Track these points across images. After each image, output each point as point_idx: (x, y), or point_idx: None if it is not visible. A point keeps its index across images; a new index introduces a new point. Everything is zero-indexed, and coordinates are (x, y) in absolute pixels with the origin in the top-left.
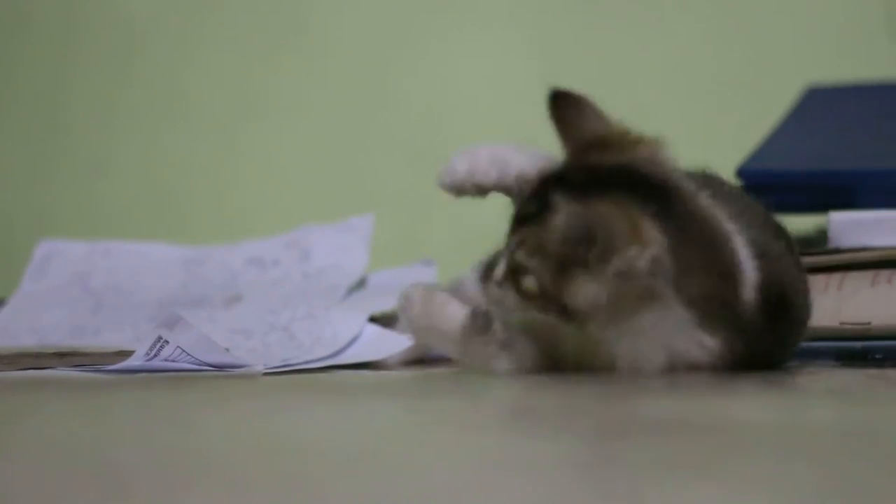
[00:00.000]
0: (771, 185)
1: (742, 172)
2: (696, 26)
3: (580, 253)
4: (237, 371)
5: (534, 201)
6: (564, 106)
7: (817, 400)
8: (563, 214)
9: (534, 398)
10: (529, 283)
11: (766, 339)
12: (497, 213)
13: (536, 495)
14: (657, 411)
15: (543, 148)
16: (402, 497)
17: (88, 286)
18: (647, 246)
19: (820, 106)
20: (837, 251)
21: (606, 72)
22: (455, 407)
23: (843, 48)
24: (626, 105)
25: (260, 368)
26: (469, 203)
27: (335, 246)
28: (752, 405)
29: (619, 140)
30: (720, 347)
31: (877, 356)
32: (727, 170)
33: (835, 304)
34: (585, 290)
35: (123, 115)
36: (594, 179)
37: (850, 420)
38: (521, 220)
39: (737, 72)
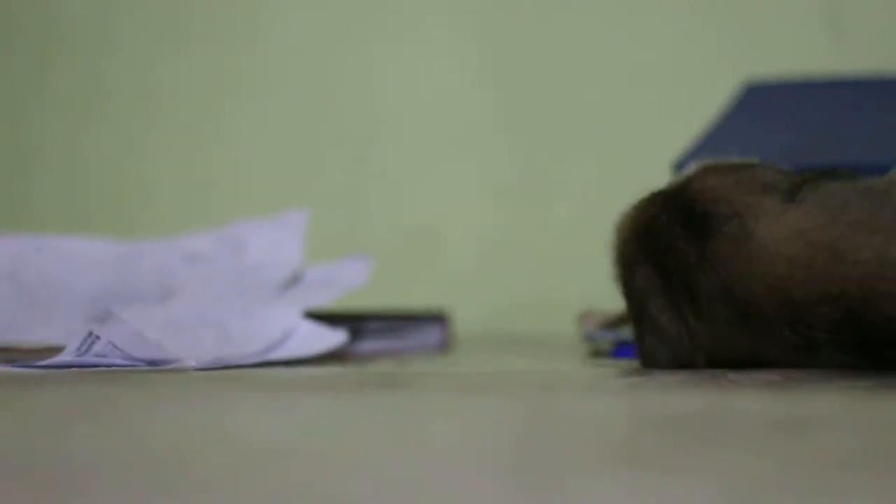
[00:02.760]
0: None
1: (679, 168)
2: (634, 21)
3: None
4: (169, 367)
5: None
6: None
7: (747, 389)
8: None
9: (475, 392)
10: None
11: None
12: (435, 211)
13: (470, 490)
14: (581, 405)
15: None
16: (333, 491)
17: (20, 282)
18: None
19: (758, 101)
20: None
21: (548, 70)
22: (389, 401)
23: (782, 43)
24: (564, 101)
25: (193, 364)
26: (407, 200)
27: (270, 241)
28: (683, 396)
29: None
30: None
31: None
32: (664, 164)
33: None
34: None
35: (47, 111)
36: None
37: (777, 409)
38: None
39: (674, 66)
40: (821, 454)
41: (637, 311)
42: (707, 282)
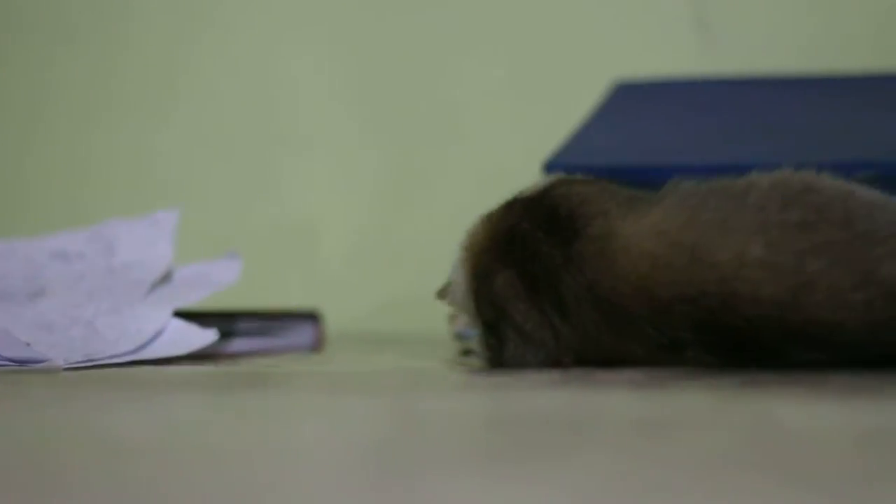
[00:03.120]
0: None
1: (549, 167)
2: (504, 19)
3: None
4: (38, 366)
5: None
6: None
7: (615, 388)
8: None
9: (343, 392)
10: None
11: None
12: (307, 210)
13: (333, 489)
14: (446, 403)
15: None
16: (201, 491)
17: None
18: None
19: (628, 101)
20: None
21: (419, 68)
22: (258, 400)
23: (651, 44)
24: (436, 100)
25: (61, 363)
26: (278, 199)
27: (140, 240)
28: (549, 395)
29: None
30: None
31: None
32: (534, 164)
33: None
34: None
35: None
36: None
37: (644, 408)
38: None
39: (545, 66)
40: (687, 453)
41: (496, 319)
42: (573, 283)
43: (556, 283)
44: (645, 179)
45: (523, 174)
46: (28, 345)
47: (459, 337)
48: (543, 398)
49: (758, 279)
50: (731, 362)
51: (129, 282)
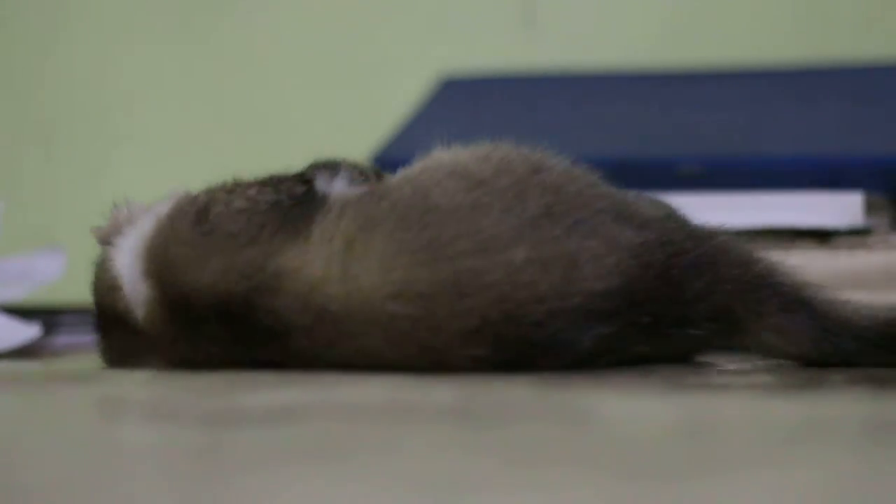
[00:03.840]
0: None
1: (376, 161)
2: (327, 9)
3: None
4: None
5: None
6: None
7: (441, 385)
8: None
9: (136, 389)
10: None
11: None
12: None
13: (147, 485)
14: (268, 399)
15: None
16: (20, 484)
17: None
18: None
19: (455, 96)
20: None
21: (251, 65)
22: (78, 396)
23: (479, 39)
24: (259, 93)
25: None
26: (114, 191)
27: None
28: (373, 389)
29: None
30: None
31: None
32: (361, 158)
33: None
34: None
35: None
36: None
37: (473, 403)
38: None
39: (370, 60)
40: (504, 445)
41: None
42: None
43: None
44: None
45: None
46: None
47: None
48: (280, 395)
49: (531, 280)
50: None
51: None
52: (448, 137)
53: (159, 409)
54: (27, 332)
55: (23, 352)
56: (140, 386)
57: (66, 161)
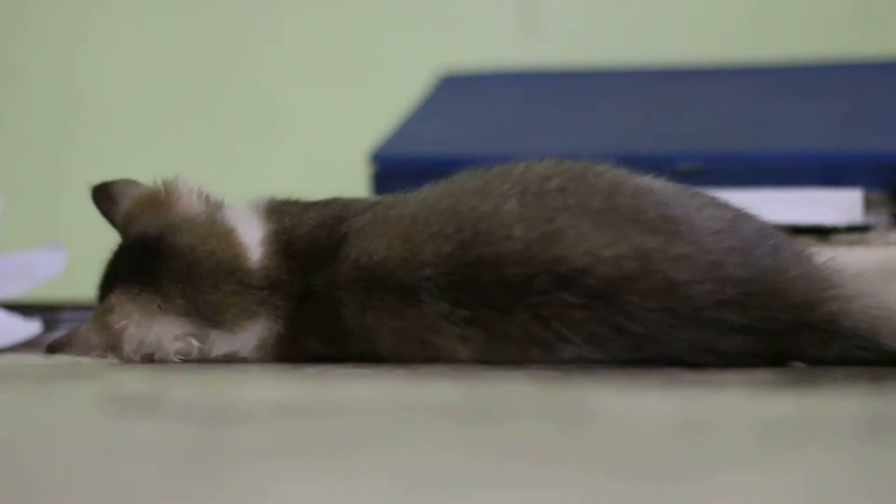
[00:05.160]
0: (404, 170)
1: (375, 158)
2: (326, 6)
3: None
4: None
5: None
6: (100, 200)
7: (441, 382)
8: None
9: (135, 384)
10: None
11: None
12: None
13: (145, 480)
14: (266, 395)
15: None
16: (23, 479)
17: None
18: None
19: (454, 93)
20: None
21: (233, 55)
22: (79, 391)
23: (479, 36)
24: (253, 88)
25: None
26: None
27: None
28: (371, 385)
29: (139, 209)
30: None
31: None
32: (357, 155)
33: None
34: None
35: None
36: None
37: (473, 399)
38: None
39: (369, 56)
40: (507, 442)
41: None
42: None
43: None
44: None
45: (346, 164)
46: None
47: None
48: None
49: (511, 223)
50: (467, 305)
51: None
52: (447, 133)
53: (158, 404)
54: (27, 328)
55: (23, 347)
56: (140, 381)
57: (67, 156)
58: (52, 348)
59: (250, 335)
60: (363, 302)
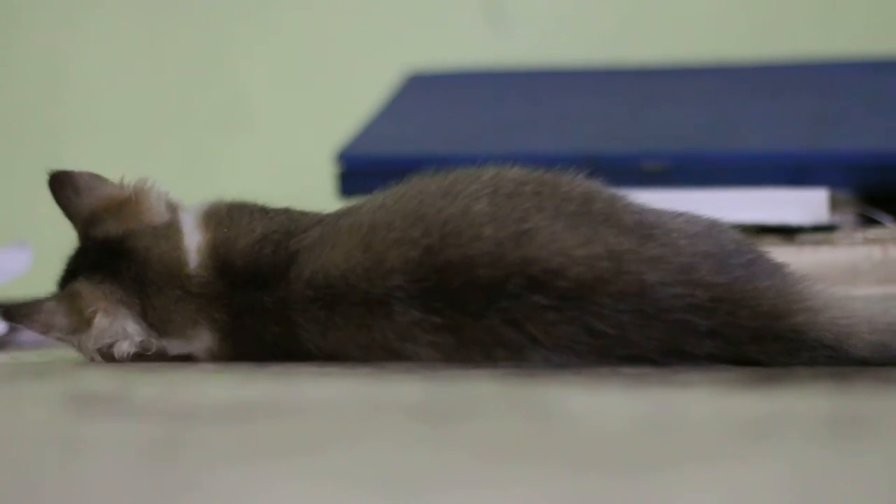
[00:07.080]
0: (371, 170)
1: (342, 158)
2: (293, 10)
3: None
4: None
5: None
6: (60, 188)
7: (407, 381)
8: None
9: (100, 383)
10: None
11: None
12: None
13: (110, 481)
14: (233, 395)
15: None
16: None
17: None
18: (92, 327)
19: (421, 92)
20: None
21: (202, 56)
22: (42, 391)
23: (445, 34)
24: (221, 88)
25: None
26: None
27: None
28: (338, 384)
29: (105, 210)
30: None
31: None
32: (327, 155)
33: None
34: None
35: None
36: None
37: (438, 398)
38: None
39: (335, 55)
40: (472, 441)
41: None
42: None
43: None
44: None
45: (314, 164)
46: None
47: None
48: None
49: (481, 223)
50: (438, 311)
51: None
52: (414, 133)
53: (124, 404)
54: None
55: None
56: (105, 381)
57: (37, 156)
58: (10, 315)
59: (199, 343)
60: (323, 322)
